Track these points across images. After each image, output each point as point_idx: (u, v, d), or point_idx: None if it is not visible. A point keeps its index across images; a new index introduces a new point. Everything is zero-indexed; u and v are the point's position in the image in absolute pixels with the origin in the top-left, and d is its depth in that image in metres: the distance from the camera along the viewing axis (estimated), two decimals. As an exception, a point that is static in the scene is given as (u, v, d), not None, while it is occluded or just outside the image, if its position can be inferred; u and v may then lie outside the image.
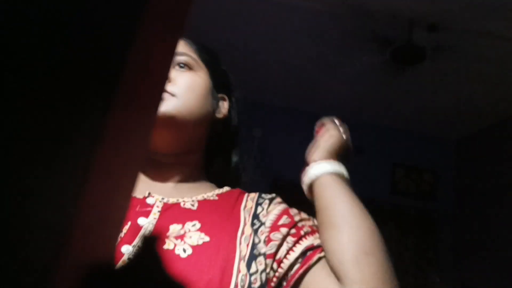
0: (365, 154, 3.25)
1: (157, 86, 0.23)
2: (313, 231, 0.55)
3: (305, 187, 0.61)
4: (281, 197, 0.71)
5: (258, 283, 0.50)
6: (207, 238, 0.51)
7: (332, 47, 2.36)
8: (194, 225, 0.53)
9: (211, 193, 0.61)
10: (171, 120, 0.57)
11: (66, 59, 0.18)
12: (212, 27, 2.32)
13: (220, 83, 0.68)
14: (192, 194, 0.59)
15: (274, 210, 0.57)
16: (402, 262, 2.99)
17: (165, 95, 0.57)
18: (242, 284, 0.48)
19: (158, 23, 0.21)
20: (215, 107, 0.66)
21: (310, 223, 0.57)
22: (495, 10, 1.84)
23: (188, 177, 0.63)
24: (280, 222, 0.55)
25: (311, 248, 0.52)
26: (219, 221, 0.54)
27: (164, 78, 0.25)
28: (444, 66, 2.33)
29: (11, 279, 0.17)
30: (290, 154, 3.27)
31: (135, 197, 0.56)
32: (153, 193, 0.57)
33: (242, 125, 0.73)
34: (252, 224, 0.55)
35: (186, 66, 0.63)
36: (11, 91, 0.17)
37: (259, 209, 0.58)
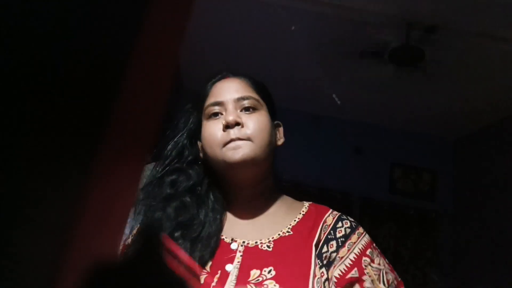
0: (364, 154, 3.26)
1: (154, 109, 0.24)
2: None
3: None
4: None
5: None
6: None
7: (330, 49, 2.37)
8: (270, 271, 0.59)
9: (286, 227, 0.66)
10: (251, 161, 0.65)
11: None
12: (213, 30, 2.32)
13: (273, 111, 0.74)
14: (270, 231, 0.66)
15: (347, 257, 0.62)
16: (401, 261, 3.00)
17: (241, 141, 0.65)
18: None
19: (151, 59, 0.22)
20: (276, 136, 0.73)
21: (380, 272, 0.62)
22: (492, 11, 1.85)
23: (265, 206, 0.70)
24: (349, 275, 0.60)
25: None
26: (292, 264, 0.60)
27: (160, 107, 0.25)
28: (442, 67, 2.34)
29: (12, 279, 0.17)
30: (290, 155, 3.27)
31: (223, 240, 0.65)
32: (236, 236, 0.64)
33: None
34: (321, 264, 0.61)
35: (251, 108, 0.68)
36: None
37: (325, 248, 0.63)
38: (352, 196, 3.11)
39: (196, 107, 0.73)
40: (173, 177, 0.69)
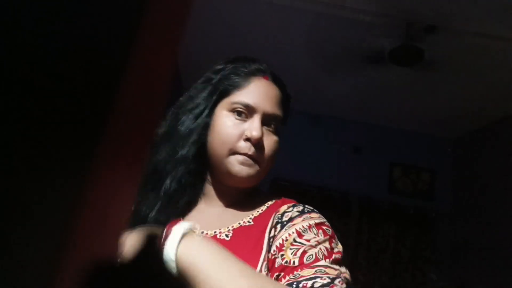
0: (363, 153, 3.26)
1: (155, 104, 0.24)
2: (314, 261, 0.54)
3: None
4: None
5: None
6: None
7: (330, 49, 2.37)
8: None
9: (248, 217, 0.66)
10: (251, 180, 0.66)
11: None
12: (213, 30, 2.32)
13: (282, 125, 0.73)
14: (232, 221, 0.65)
15: (279, 237, 0.60)
16: (400, 261, 3.00)
17: (253, 161, 0.64)
18: None
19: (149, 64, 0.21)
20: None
21: (315, 249, 0.56)
22: (491, 11, 1.85)
23: (238, 199, 0.68)
24: (272, 257, 0.58)
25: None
26: (245, 251, 0.59)
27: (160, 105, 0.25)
28: (441, 66, 2.34)
29: (12, 279, 0.17)
30: (289, 154, 3.28)
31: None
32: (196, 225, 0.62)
33: None
34: (269, 248, 0.60)
35: (273, 125, 0.68)
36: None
37: (272, 233, 0.62)
38: (351, 196, 3.11)
39: (219, 85, 0.67)
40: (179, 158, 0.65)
